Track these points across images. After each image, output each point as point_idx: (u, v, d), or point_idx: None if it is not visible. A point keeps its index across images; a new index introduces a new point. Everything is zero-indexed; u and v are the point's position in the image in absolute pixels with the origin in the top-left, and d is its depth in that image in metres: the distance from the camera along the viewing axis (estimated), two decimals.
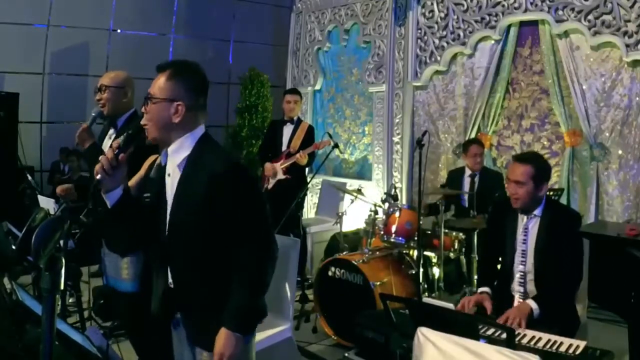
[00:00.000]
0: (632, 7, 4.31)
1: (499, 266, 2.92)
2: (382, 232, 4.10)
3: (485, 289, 2.77)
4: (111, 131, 2.86)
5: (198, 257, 1.76)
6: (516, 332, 2.30)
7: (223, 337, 1.71)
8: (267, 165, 5.01)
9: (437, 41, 5.67)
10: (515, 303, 2.69)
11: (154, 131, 1.78)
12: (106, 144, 2.84)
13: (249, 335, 1.80)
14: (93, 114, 2.84)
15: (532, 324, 2.44)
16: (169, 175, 1.83)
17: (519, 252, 2.71)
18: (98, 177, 1.71)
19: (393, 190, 4.42)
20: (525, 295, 2.68)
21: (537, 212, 2.68)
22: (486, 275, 2.93)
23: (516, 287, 2.72)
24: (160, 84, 1.77)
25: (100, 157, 1.72)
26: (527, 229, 2.69)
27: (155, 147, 2.41)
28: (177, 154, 1.79)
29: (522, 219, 2.72)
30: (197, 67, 1.84)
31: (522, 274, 2.69)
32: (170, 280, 1.83)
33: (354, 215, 4.88)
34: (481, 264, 3.06)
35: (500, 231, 2.83)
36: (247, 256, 1.73)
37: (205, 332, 1.75)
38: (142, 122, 1.81)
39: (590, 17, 4.51)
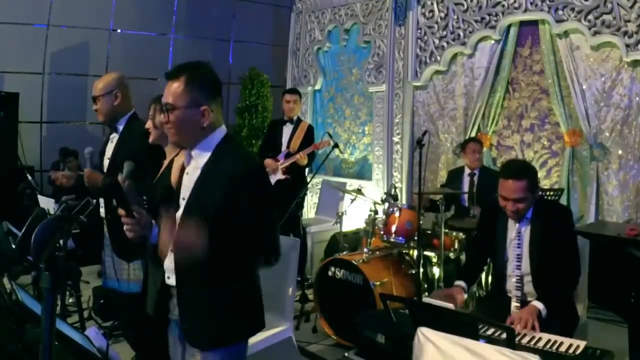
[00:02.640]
0: (632, 7, 4.30)
1: (490, 267, 2.92)
2: (382, 232, 4.09)
3: (461, 282, 2.79)
4: (112, 135, 2.87)
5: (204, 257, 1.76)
6: (533, 335, 2.31)
7: None
8: (268, 161, 5.00)
9: (437, 41, 5.66)
10: (513, 305, 2.68)
11: (179, 137, 1.80)
12: (108, 149, 2.85)
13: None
14: (87, 155, 2.88)
15: (540, 324, 2.42)
16: (187, 174, 1.84)
17: (513, 256, 2.70)
18: (131, 237, 1.75)
19: (393, 190, 4.42)
20: (523, 297, 2.68)
21: (528, 214, 2.68)
22: (467, 273, 2.94)
23: (513, 291, 2.71)
24: (178, 91, 1.75)
25: (122, 220, 1.73)
26: (520, 233, 2.69)
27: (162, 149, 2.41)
28: (201, 154, 1.80)
29: (514, 223, 2.72)
30: (210, 68, 1.84)
31: (518, 277, 2.69)
32: (167, 275, 1.83)
33: (354, 215, 4.88)
34: (466, 262, 3.06)
35: (490, 234, 2.82)
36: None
37: (202, 332, 1.75)
38: (165, 129, 1.82)
39: (590, 17, 4.51)
